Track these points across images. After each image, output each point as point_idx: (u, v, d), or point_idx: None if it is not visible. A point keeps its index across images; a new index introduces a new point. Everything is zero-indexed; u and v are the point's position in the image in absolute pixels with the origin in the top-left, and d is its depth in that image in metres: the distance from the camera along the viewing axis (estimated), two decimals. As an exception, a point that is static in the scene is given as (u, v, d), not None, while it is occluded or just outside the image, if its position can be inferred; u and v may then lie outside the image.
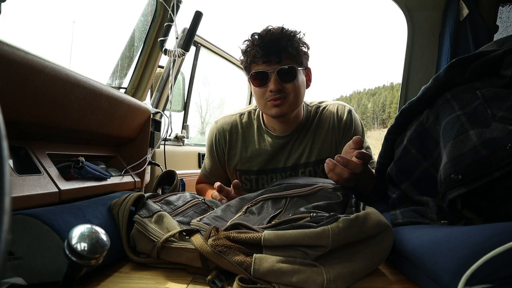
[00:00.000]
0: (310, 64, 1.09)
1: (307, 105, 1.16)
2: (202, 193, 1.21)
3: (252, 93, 1.08)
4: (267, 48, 0.97)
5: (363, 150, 0.75)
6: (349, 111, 1.12)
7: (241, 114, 1.18)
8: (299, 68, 1.02)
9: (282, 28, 1.00)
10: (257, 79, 1.01)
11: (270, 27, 1.02)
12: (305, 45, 1.03)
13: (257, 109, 1.17)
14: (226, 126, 1.15)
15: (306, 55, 1.04)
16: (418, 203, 0.65)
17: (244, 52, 1.04)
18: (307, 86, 1.10)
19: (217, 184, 0.96)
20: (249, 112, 1.17)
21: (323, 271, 0.47)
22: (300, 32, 1.02)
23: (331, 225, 0.49)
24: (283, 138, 1.10)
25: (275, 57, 0.98)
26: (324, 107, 1.14)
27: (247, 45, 1.03)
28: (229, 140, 1.15)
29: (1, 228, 0.18)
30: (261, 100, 1.03)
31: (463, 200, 0.56)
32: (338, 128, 1.10)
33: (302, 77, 1.04)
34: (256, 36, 1.00)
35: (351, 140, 0.80)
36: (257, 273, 0.48)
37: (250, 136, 1.14)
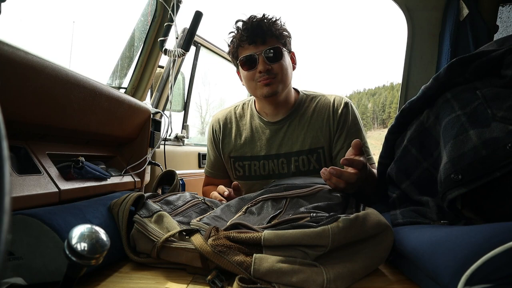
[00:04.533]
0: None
1: (303, 93, 1.18)
2: (207, 195, 1.21)
3: (242, 79, 1.12)
4: (252, 30, 1.02)
5: (353, 157, 0.74)
6: (346, 104, 1.11)
7: (236, 106, 1.24)
8: (284, 49, 1.06)
9: (263, 14, 1.06)
10: (246, 63, 1.05)
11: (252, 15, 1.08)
12: (286, 31, 1.08)
13: (250, 100, 1.22)
14: (221, 117, 1.22)
15: (289, 39, 1.09)
16: (418, 203, 0.65)
17: (231, 41, 1.09)
18: (293, 68, 1.13)
19: (226, 193, 0.98)
20: (243, 104, 1.23)
21: (323, 271, 0.47)
22: (280, 18, 1.07)
23: (331, 225, 0.49)
24: (275, 124, 1.12)
25: (260, 38, 1.02)
26: (321, 97, 1.15)
27: (232, 33, 1.08)
28: (223, 129, 1.20)
29: (1, 228, 0.18)
30: (251, 83, 1.07)
31: (463, 200, 0.56)
32: (333, 118, 1.09)
33: (287, 59, 1.09)
34: (240, 23, 1.06)
35: (351, 144, 0.79)
36: (257, 273, 0.48)
37: (243, 124, 1.18)
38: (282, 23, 1.07)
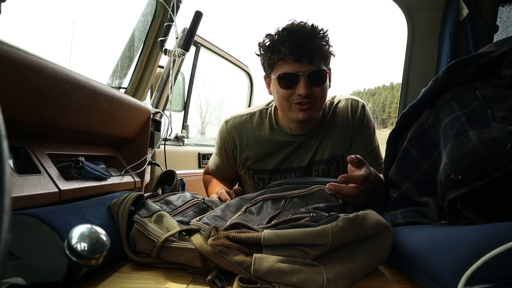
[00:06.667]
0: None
1: None
2: (208, 183, 1.24)
3: (272, 91, 1.03)
4: (300, 46, 0.90)
5: (353, 172, 0.73)
6: (363, 106, 1.08)
7: (252, 114, 1.13)
8: (327, 71, 0.97)
9: (312, 25, 0.95)
10: (285, 81, 0.95)
11: (296, 22, 0.95)
12: (332, 48, 0.98)
13: (269, 108, 1.12)
14: (236, 128, 1.11)
15: (332, 56, 1.00)
16: (418, 203, 0.65)
17: (269, 47, 0.96)
18: (329, 87, 1.03)
19: (226, 197, 0.95)
20: (261, 111, 1.13)
21: (323, 271, 0.47)
22: (327, 30, 0.96)
23: (330, 224, 0.49)
24: (298, 137, 1.06)
25: (307, 57, 0.91)
26: (337, 103, 1.10)
27: (273, 39, 0.95)
28: (239, 142, 1.11)
29: (1, 228, 0.18)
30: (285, 103, 0.98)
31: (463, 200, 0.56)
32: (352, 123, 1.06)
33: (327, 80, 1.00)
34: (286, 32, 0.93)
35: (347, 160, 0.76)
36: (257, 273, 0.48)
37: (263, 136, 1.09)
38: (329, 38, 0.96)
